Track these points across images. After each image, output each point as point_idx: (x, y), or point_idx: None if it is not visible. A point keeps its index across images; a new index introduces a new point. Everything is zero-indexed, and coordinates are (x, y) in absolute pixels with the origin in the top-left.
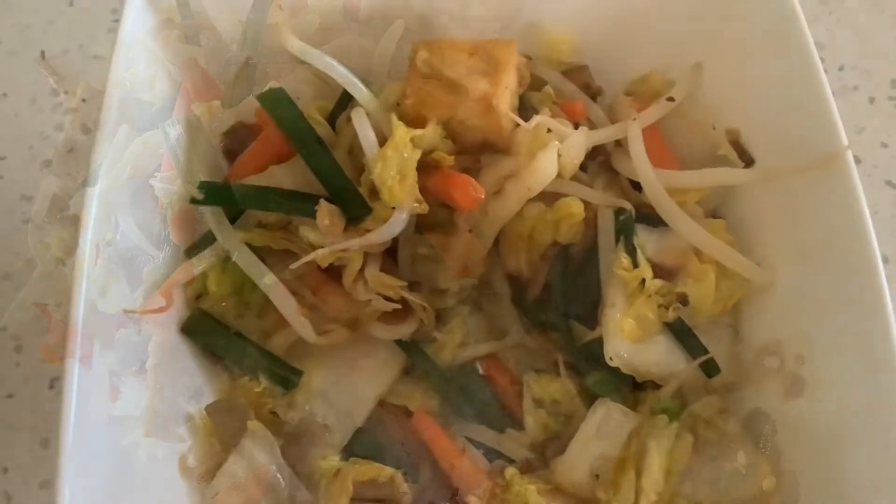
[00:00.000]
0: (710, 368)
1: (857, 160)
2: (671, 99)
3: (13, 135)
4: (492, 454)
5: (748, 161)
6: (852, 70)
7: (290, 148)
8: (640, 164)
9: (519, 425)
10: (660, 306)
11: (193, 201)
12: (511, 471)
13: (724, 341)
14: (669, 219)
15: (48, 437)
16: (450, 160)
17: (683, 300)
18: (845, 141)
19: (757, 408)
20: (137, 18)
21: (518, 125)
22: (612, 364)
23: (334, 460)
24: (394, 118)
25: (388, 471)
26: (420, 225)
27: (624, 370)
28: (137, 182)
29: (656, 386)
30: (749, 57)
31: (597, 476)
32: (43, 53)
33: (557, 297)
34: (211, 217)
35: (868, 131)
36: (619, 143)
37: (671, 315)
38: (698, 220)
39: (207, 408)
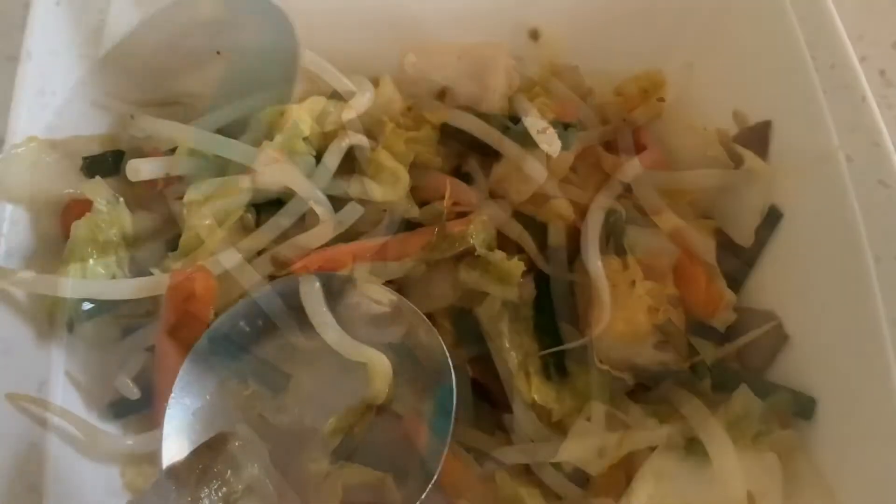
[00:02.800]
0: (700, 370)
1: (850, 159)
2: (661, 99)
3: None
4: (482, 458)
5: (738, 161)
6: (844, 68)
7: None
8: (629, 165)
9: (509, 428)
10: (650, 308)
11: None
12: (501, 474)
13: (713, 343)
14: (659, 220)
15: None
16: (438, 162)
17: (673, 302)
18: (836, 141)
19: (747, 408)
20: (48, 18)
21: (508, 128)
22: (601, 367)
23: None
24: (386, 119)
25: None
26: (409, 227)
27: (614, 373)
28: None
29: (646, 388)
30: (740, 57)
31: (587, 479)
32: None
33: (548, 298)
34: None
35: (860, 130)
36: (610, 144)
37: (661, 317)
38: (689, 220)
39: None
